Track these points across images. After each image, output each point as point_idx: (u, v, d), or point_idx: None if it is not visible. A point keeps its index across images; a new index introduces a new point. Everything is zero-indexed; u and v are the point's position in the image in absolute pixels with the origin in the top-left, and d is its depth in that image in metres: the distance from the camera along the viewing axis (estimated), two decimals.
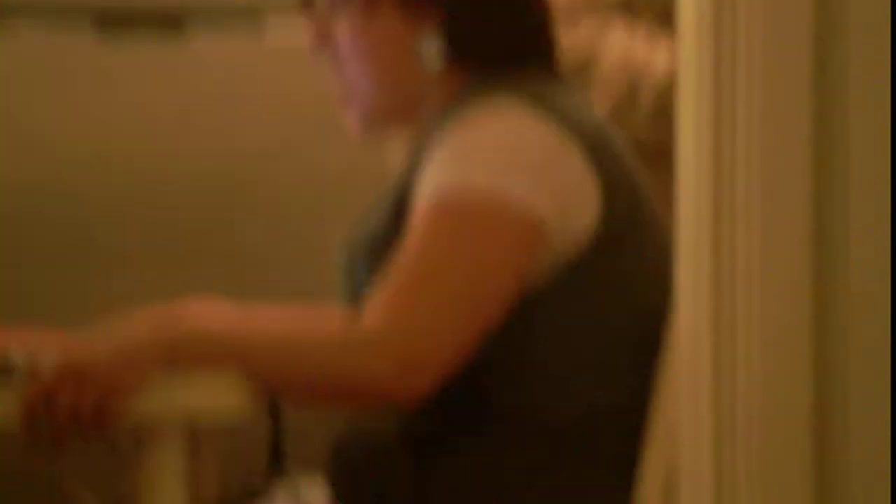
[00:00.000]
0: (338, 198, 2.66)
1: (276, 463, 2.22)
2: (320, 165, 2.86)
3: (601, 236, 1.79)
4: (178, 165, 2.98)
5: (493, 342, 1.76)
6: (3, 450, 2.58)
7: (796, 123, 1.62)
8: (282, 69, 2.89)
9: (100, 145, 3.02)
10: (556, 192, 1.80)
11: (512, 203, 1.80)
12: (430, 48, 1.93)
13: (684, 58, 1.75)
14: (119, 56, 3.00)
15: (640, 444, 1.86)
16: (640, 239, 1.83)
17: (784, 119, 1.65)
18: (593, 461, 1.88)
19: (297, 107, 2.86)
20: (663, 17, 2.34)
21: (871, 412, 1.57)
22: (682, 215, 1.69)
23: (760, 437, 1.66)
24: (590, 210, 1.80)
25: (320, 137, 2.73)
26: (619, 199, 1.79)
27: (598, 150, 1.79)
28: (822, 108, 1.64)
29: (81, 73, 3.01)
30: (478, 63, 1.92)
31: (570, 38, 2.34)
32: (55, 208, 2.99)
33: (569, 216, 1.81)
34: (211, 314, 1.85)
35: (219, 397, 1.80)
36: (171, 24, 3.00)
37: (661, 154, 1.90)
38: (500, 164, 1.84)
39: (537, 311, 1.83)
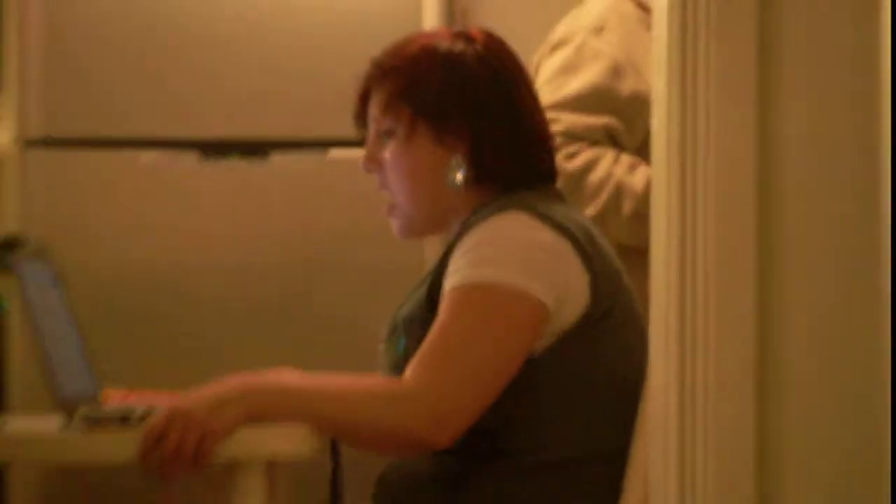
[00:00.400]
0: (383, 286, 2.83)
1: (335, 493, 2.33)
2: (370, 258, 3.03)
3: (589, 315, 1.97)
4: (260, 257, 3.19)
5: (504, 397, 1.94)
6: (126, 478, 2.75)
7: (742, 228, 1.78)
8: (342, 183, 3.09)
9: (201, 241, 3.22)
10: (555, 283, 1.97)
11: (519, 293, 1.97)
12: (457, 172, 2.09)
13: (656, 175, 1.90)
14: (216, 175, 3.22)
15: (620, 483, 2.01)
16: (620, 317, 2.00)
17: (733, 218, 1.81)
18: (581, 493, 2.03)
19: (353, 211, 3.04)
20: (642, 147, 2.50)
21: (808, 469, 1.74)
22: (655, 300, 1.87)
23: (714, 478, 1.82)
24: (581, 296, 1.97)
25: (371, 236, 2.93)
26: (603, 287, 1.97)
27: (587, 249, 1.97)
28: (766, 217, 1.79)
29: (188, 189, 3.24)
30: (495, 183, 2.09)
31: (572, 164, 2.55)
32: (171, 290, 3.18)
33: (564, 301, 1.98)
34: (285, 377, 2.01)
35: (291, 440, 1.96)
36: (256, 150, 3.22)
37: (637, 253, 2.14)
38: (512, 262, 2.00)
39: (539, 374, 1.99)
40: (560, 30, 2.73)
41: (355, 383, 2.04)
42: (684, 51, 1.86)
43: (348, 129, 2.34)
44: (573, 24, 2.72)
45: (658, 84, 1.94)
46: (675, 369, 1.89)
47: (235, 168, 3.25)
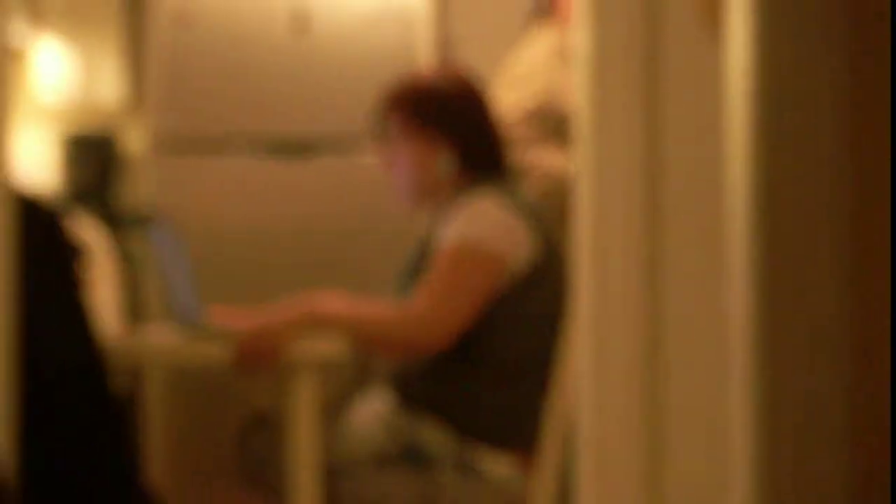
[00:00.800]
0: (396, 245, 3.22)
1: (363, 381, 2.86)
2: (387, 227, 3.48)
3: (532, 267, 2.46)
4: (312, 225, 3.65)
5: (476, 322, 2.44)
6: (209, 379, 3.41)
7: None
8: (371, 175, 3.41)
9: (265, 219, 3.71)
10: (510, 246, 2.46)
11: (490, 250, 2.45)
12: (445, 163, 2.57)
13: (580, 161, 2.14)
14: (274, 169, 3.72)
15: (550, 376, 2.45)
16: (551, 270, 2.48)
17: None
18: (524, 381, 2.50)
19: (379, 194, 3.41)
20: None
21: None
22: (579, 254, 2.18)
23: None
24: (525, 257, 2.46)
25: (388, 212, 3.34)
26: (541, 249, 2.45)
27: (532, 221, 2.44)
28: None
29: (255, 178, 3.74)
30: (471, 170, 2.55)
31: (524, 157, 2.98)
32: (255, 248, 3.68)
33: (517, 259, 2.46)
34: (329, 300, 2.54)
35: (332, 348, 2.49)
36: (305, 148, 3.67)
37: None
38: (484, 229, 2.47)
39: (498, 307, 2.48)
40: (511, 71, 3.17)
41: (377, 309, 2.57)
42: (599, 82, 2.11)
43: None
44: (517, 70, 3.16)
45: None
46: (588, 304, 2.12)
47: (292, 163, 3.72)
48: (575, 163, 2.23)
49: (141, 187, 4.13)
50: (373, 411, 2.71)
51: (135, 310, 3.78)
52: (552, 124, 3.12)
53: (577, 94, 2.20)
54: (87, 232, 3.02)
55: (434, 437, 2.57)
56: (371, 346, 2.62)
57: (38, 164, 4.31)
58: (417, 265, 2.62)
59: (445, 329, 2.51)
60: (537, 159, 3.11)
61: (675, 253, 2.09)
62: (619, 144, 2.10)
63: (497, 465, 2.58)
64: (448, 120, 2.64)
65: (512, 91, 3.20)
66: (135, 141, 4.26)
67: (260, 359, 2.49)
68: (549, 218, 2.62)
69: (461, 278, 2.53)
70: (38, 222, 2.32)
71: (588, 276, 2.12)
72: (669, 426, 2.07)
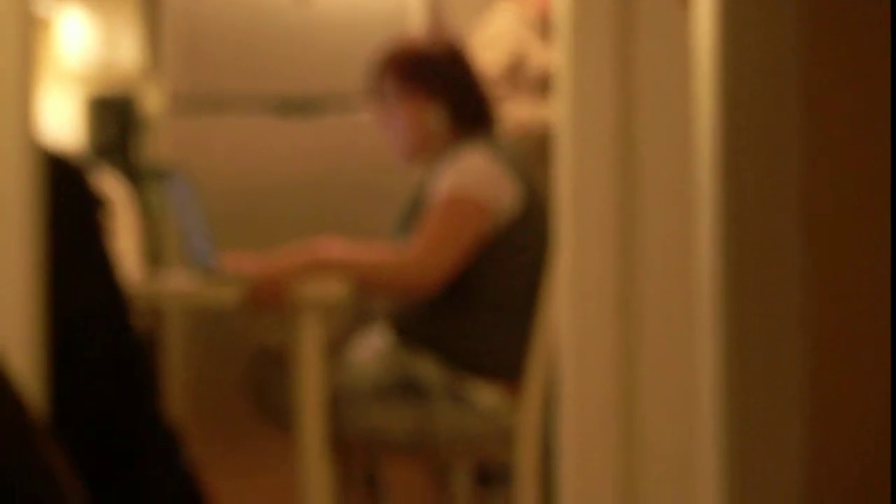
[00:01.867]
0: (391, 196, 3.30)
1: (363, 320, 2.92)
2: (383, 180, 3.61)
3: (516, 213, 2.53)
4: (316, 178, 3.79)
5: (467, 265, 2.53)
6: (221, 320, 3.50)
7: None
8: (368, 132, 3.44)
9: (272, 172, 3.86)
10: (497, 195, 2.54)
11: (478, 200, 2.54)
12: (437, 119, 2.67)
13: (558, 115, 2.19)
14: (279, 127, 3.86)
15: (535, 312, 2.57)
16: (535, 217, 2.56)
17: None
18: (511, 317, 2.60)
19: (375, 149, 3.51)
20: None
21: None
22: (561, 200, 2.23)
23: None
24: (510, 204, 2.53)
25: (385, 165, 3.38)
26: (523, 196, 2.53)
27: (515, 171, 2.53)
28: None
29: (262, 135, 3.88)
30: (460, 126, 2.64)
31: (504, 108, 3.09)
32: (259, 200, 3.82)
33: (502, 206, 2.54)
34: (330, 245, 2.63)
35: (335, 290, 2.56)
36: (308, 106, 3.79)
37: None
38: (473, 180, 2.55)
39: (486, 250, 2.56)
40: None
41: (375, 254, 2.67)
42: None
43: None
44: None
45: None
46: (568, 245, 2.19)
47: (299, 120, 3.85)
48: (554, 115, 2.29)
49: (159, 144, 4.19)
50: (372, 347, 2.77)
51: (154, 256, 3.83)
52: (523, 79, 3.29)
53: (557, 55, 2.22)
54: (110, 185, 3.06)
55: (428, 370, 2.64)
56: (370, 289, 2.68)
57: (64, 124, 4.35)
58: (412, 213, 2.70)
59: (438, 272, 2.59)
60: (511, 111, 3.26)
61: (649, 199, 2.14)
62: (595, 102, 2.15)
63: (486, 395, 2.64)
64: (438, 80, 2.72)
65: (487, 51, 3.37)
66: (152, 101, 4.32)
67: (268, 300, 2.57)
68: (529, 165, 2.69)
69: (452, 225, 2.62)
70: (64, 176, 2.22)
71: (567, 221, 2.18)
72: (643, 358, 2.13)
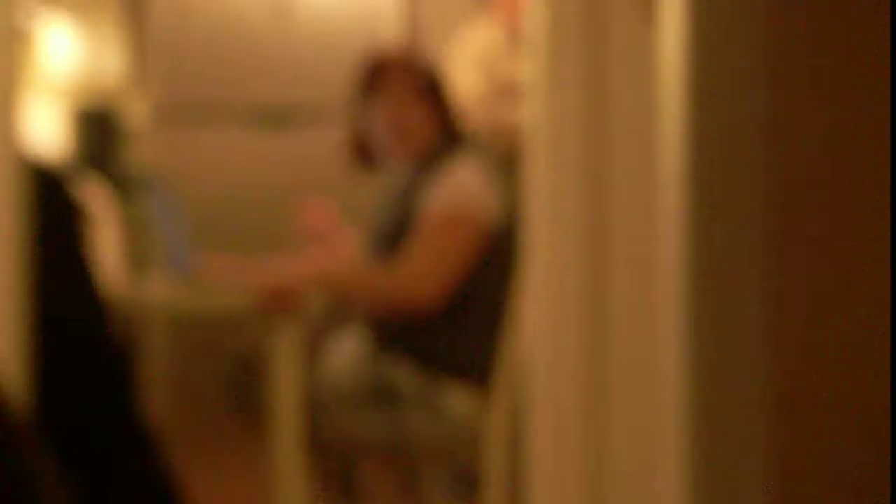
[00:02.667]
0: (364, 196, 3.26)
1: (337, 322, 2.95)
2: (356, 188, 3.44)
3: (499, 224, 2.59)
4: (290, 186, 3.83)
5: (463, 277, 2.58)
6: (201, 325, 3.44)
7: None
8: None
9: (249, 181, 3.99)
10: (487, 207, 2.60)
11: (475, 218, 2.61)
12: (422, 121, 2.72)
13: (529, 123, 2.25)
14: (257, 138, 3.97)
15: (505, 319, 2.63)
16: (512, 224, 2.57)
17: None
18: (482, 318, 2.68)
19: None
20: None
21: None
22: (530, 208, 2.29)
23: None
24: (496, 214, 2.60)
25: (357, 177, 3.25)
26: (504, 206, 2.59)
27: (497, 182, 2.60)
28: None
29: (241, 147, 3.99)
30: (441, 133, 2.70)
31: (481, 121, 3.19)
32: (238, 206, 3.94)
33: (491, 219, 2.60)
34: (331, 270, 2.73)
35: (315, 301, 2.69)
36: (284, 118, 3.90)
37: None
38: (469, 197, 2.61)
39: (475, 263, 2.60)
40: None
41: (372, 274, 2.75)
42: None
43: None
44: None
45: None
46: (540, 245, 2.24)
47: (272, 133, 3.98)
48: (524, 126, 2.35)
49: (142, 154, 4.31)
50: (348, 351, 2.82)
51: (137, 262, 3.82)
52: (501, 94, 3.39)
53: (528, 67, 2.30)
54: (94, 195, 3.12)
55: (403, 377, 2.71)
56: (375, 306, 2.79)
57: (48, 135, 4.41)
58: (400, 224, 2.74)
59: (440, 288, 2.68)
60: (489, 122, 3.40)
61: (616, 207, 2.19)
62: (564, 113, 2.21)
63: (458, 401, 2.69)
64: (428, 86, 2.81)
65: (469, 72, 3.48)
66: (135, 112, 4.40)
67: (282, 307, 2.68)
68: (501, 174, 2.75)
69: (451, 242, 2.69)
70: (47, 187, 2.19)
71: (537, 229, 2.25)
72: (611, 361, 2.18)
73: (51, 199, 2.19)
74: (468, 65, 3.49)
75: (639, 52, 2.11)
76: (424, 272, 2.68)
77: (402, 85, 2.82)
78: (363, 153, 2.91)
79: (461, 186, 2.70)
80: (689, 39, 1.55)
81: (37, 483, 1.12)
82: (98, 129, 4.49)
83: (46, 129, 4.38)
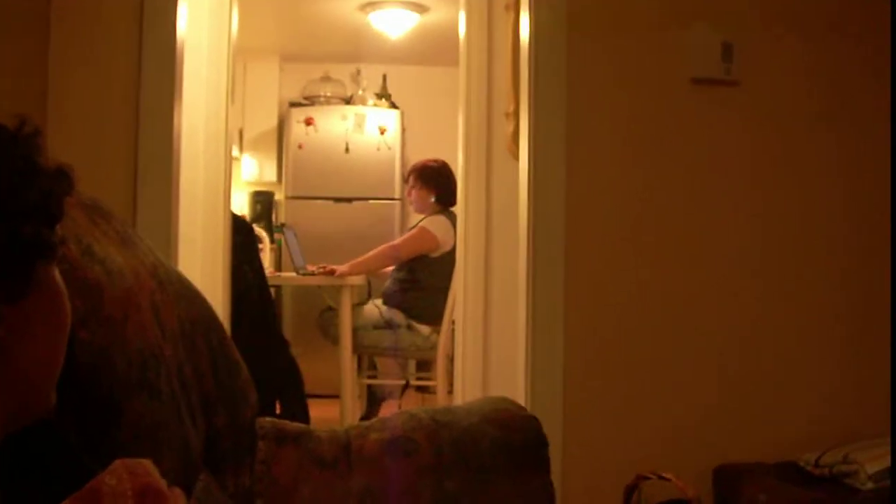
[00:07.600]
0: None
1: (369, 294, 3.69)
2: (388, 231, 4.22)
3: (448, 248, 3.68)
4: (355, 233, 4.68)
5: (419, 268, 3.70)
6: (309, 292, 4.11)
7: None
8: (380, 212, 4.32)
9: (332, 230, 4.69)
10: (445, 236, 3.70)
11: (433, 235, 3.72)
12: (432, 200, 3.87)
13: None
14: (341, 207, 4.60)
15: (447, 291, 3.52)
16: (453, 248, 3.45)
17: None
18: (437, 291, 3.66)
19: (383, 222, 4.47)
20: None
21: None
22: (461, 241, 3.26)
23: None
24: (449, 243, 3.67)
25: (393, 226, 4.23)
26: (453, 240, 3.48)
27: (455, 227, 3.33)
28: None
29: (327, 210, 4.67)
30: (439, 203, 3.82)
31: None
32: (328, 244, 4.51)
33: (446, 243, 3.73)
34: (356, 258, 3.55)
35: (359, 279, 3.64)
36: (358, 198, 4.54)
37: None
38: (434, 227, 3.71)
39: (431, 261, 3.74)
40: None
41: (376, 251, 3.63)
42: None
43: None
44: None
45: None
46: (465, 262, 2.89)
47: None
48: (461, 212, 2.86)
49: (281, 215, 5.51)
50: (373, 306, 3.95)
51: (278, 265, 5.25)
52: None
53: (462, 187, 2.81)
54: (260, 232, 4.01)
55: (398, 317, 3.84)
56: (383, 261, 3.75)
57: (241, 206, 5.60)
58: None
59: (405, 253, 3.66)
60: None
61: (495, 239, 2.76)
62: (476, 204, 2.90)
63: (424, 329, 3.87)
64: (436, 181, 3.93)
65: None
66: (279, 195, 5.59)
67: (353, 275, 3.45)
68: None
69: (417, 240, 3.78)
70: (242, 224, 3.15)
71: (463, 250, 2.96)
72: (493, 313, 2.82)
73: (244, 231, 3.16)
74: None
75: (510, 174, 2.52)
76: (400, 244, 3.66)
77: (417, 181, 3.76)
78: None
79: (432, 222, 3.74)
80: (531, 169, 1.97)
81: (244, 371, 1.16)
82: (262, 202, 5.76)
83: (241, 203, 5.66)
